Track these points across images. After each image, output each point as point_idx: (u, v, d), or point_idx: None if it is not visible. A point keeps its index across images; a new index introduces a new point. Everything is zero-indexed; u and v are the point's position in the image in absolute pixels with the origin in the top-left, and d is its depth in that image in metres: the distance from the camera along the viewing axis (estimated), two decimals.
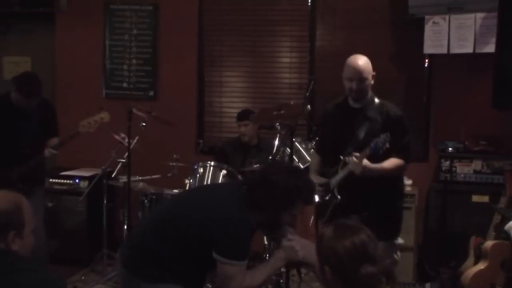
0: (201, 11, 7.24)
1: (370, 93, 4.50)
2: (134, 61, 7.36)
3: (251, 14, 7.19)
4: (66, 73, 7.43)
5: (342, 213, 4.32)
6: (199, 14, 7.24)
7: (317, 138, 4.89)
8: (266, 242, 5.76)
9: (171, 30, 7.26)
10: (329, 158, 4.60)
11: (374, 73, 4.48)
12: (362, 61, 4.44)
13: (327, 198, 4.52)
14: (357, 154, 4.19)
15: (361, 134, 4.39)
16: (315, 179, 4.60)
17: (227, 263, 3.38)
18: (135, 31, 7.35)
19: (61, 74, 7.47)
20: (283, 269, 5.55)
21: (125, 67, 7.37)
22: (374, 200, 4.36)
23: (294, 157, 5.21)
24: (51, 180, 6.73)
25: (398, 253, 4.64)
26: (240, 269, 3.41)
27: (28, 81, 5.35)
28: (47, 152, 5.35)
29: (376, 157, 4.23)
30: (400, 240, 4.59)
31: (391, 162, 4.35)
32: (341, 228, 2.53)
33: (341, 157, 4.39)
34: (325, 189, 4.54)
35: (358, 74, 4.39)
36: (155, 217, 3.77)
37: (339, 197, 4.40)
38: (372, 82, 4.49)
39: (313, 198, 4.12)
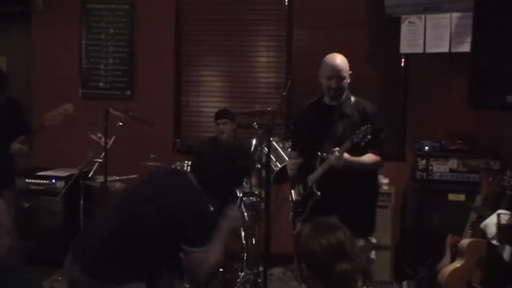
0: (178, 10, 7.23)
1: (346, 91, 4.52)
2: (110, 61, 7.33)
3: (229, 14, 7.19)
4: (42, 73, 7.38)
5: (320, 210, 4.37)
6: (176, 13, 7.23)
7: (290, 136, 4.90)
8: (244, 241, 5.75)
9: (148, 29, 7.23)
10: (304, 155, 4.61)
11: (350, 72, 4.50)
12: (340, 59, 4.46)
13: (304, 194, 4.54)
14: (337, 148, 4.19)
15: (339, 130, 4.41)
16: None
17: (199, 251, 3.41)
18: (111, 30, 7.32)
19: (37, 74, 7.42)
20: (261, 268, 5.57)
21: (101, 66, 7.34)
22: (351, 197, 4.39)
23: (271, 156, 5.20)
24: (27, 180, 6.70)
25: (373, 252, 4.66)
26: (207, 251, 3.45)
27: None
28: (15, 145, 5.29)
29: (355, 152, 4.25)
30: (373, 240, 4.61)
31: (369, 157, 4.38)
32: (319, 227, 2.57)
33: (319, 154, 4.40)
34: (303, 186, 4.55)
35: (337, 73, 4.41)
36: (111, 221, 3.61)
37: (318, 193, 4.41)
38: (349, 80, 4.50)
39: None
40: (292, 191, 4.74)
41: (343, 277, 2.41)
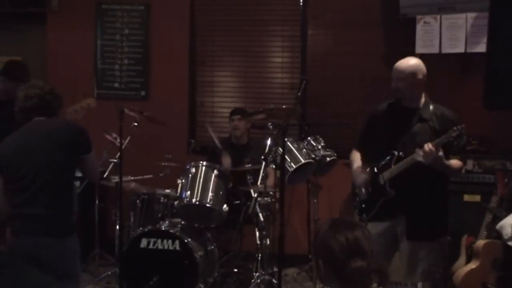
0: (192, 11, 7.26)
1: (424, 95, 4.52)
2: (125, 61, 7.37)
3: (243, 14, 7.22)
4: (57, 74, 7.41)
5: (390, 209, 4.42)
6: (191, 14, 7.26)
7: (362, 135, 4.87)
8: (258, 242, 5.76)
9: (162, 30, 7.27)
10: (372, 154, 4.62)
11: (420, 77, 4.46)
12: (402, 62, 4.48)
13: (374, 192, 4.55)
14: (429, 143, 4.19)
15: (417, 132, 4.41)
16: (361, 173, 4.69)
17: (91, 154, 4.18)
18: (126, 31, 7.36)
19: (52, 75, 7.44)
20: (275, 269, 5.58)
21: (116, 67, 7.38)
22: (422, 198, 4.39)
23: (286, 156, 5.21)
24: None
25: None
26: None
27: (16, 65, 5.58)
28: None
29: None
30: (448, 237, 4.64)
31: (455, 162, 4.39)
32: (338, 224, 2.59)
33: (395, 153, 4.41)
34: (373, 184, 4.56)
35: (396, 74, 4.44)
36: (27, 187, 3.94)
37: (392, 192, 4.43)
38: (416, 84, 4.45)
39: None
40: (361, 189, 4.70)
41: (358, 274, 2.43)
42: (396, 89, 4.47)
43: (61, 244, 4.02)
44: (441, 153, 4.20)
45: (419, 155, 4.23)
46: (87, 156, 4.19)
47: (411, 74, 4.43)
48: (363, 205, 4.68)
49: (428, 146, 4.17)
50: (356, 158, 4.84)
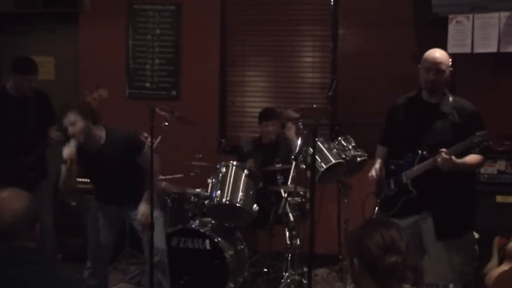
0: (223, 10, 7.28)
1: (445, 89, 4.50)
2: (157, 61, 7.42)
3: (274, 14, 7.22)
4: (89, 73, 7.48)
5: (413, 207, 4.42)
6: (222, 14, 7.28)
7: (383, 131, 4.85)
8: (288, 242, 5.78)
9: (193, 29, 7.30)
10: (395, 150, 4.61)
11: (451, 69, 4.46)
12: (440, 53, 4.43)
13: (396, 190, 4.55)
14: (445, 150, 4.18)
15: (438, 128, 4.39)
16: (380, 163, 4.70)
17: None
18: (158, 31, 7.41)
19: (84, 74, 7.52)
20: (305, 269, 5.60)
21: (148, 67, 7.43)
22: (447, 197, 4.37)
23: (316, 156, 5.22)
24: None
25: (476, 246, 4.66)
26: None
27: (23, 59, 5.60)
28: (52, 133, 5.41)
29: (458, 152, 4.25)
30: (476, 235, 4.61)
31: (473, 158, 4.33)
32: (373, 223, 2.67)
33: (419, 151, 4.40)
34: (396, 182, 4.56)
35: (436, 65, 4.37)
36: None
37: (414, 191, 4.42)
38: (448, 76, 4.44)
39: None
40: (384, 185, 4.69)
41: (393, 270, 2.46)
42: (434, 82, 4.40)
43: None
44: (454, 159, 4.17)
45: (439, 159, 4.20)
46: None
47: (448, 67, 4.42)
48: (386, 202, 4.67)
49: (444, 155, 4.16)
50: (379, 154, 4.82)
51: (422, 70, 4.47)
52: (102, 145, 4.84)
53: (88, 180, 6.75)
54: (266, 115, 6.41)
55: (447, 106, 4.42)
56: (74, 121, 4.66)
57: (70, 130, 4.66)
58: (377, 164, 4.70)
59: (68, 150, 4.65)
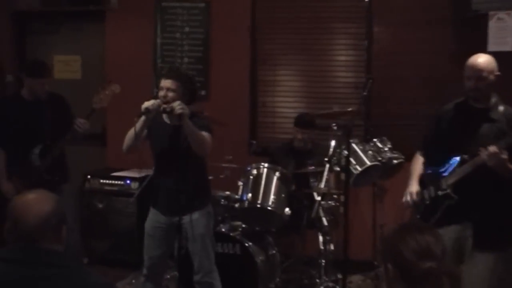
0: (254, 8, 7.24)
1: (494, 96, 4.42)
2: (185, 60, 7.40)
3: (306, 11, 7.17)
4: (116, 72, 7.47)
5: (454, 215, 4.32)
6: (252, 11, 7.24)
7: (426, 138, 4.78)
8: (322, 247, 5.73)
9: (223, 27, 7.28)
10: (437, 157, 4.53)
11: (498, 73, 4.38)
12: (482, 59, 4.34)
13: (436, 197, 4.47)
14: (494, 146, 4.10)
15: (484, 133, 4.30)
16: (416, 185, 4.60)
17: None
18: (186, 29, 7.39)
19: (111, 73, 7.51)
20: (339, 275, 5.55)
21: (174, 65, 7.41)
22: (489, 204, 4.27)
23: (351, 159, 5.17)
24: (101, 181, 6.86)
25: None
26: None
27: (35, 62, 5.72)
28: (79, 120, 5.43)
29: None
30: None
31: None
32: (407, 227, 2.63)
33: (460, 156, 4.33)
34: (435, 188, 4.48)
35: (476, 73, 4.30)
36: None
37: (456, 197, 4.34)
38: (492, 82, 4.35)
39: None
40: (422, 192, 4.62)
41: (428, 276, 2.42)
42: (474, 89, 4.33)
43: None
44: (505, 156, 4.09)
45: (483, 155, 4.12)
46: None
47: (491, 72, 4.33)
48: (424, 210, 4.58)
49: (492, 148, 4.07)
50: (416, 168, 4.73)
51: (464, 77, 4.40)
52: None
53: (116, 182, 6.82)
54: (300, 122, 6.34)
55: (496, 113, 4.33)
56: (173, 89, 4.70)
57: (163, 93, 4.70)
58: (413, 187, 4.59)
59: (151, 102, 4.62)
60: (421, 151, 4.75)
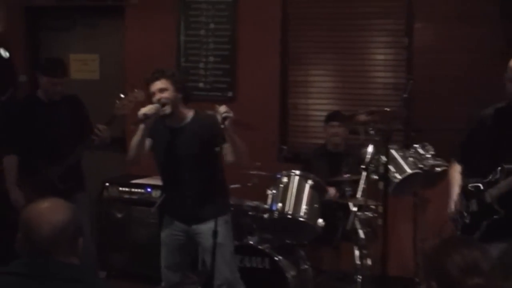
0: (285, 2, 7.24)
1: None
2: (211, 59, 7.41)
3: (341, 6, 7.15)
4: (136, 72, 7.46)
5: (500, 230, 4.28)
6: (283, 6, 7.23)
7: (464, 145, 4.75)
8: (358, 262, 5.70)
9: (251, 24, 7.27)
10: (478, 166, 4.49)
11: None
12: None
13: (479, 211, 4.43)
14: None
15: None
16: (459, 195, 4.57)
17: None
18: (212, 26, 7.40)
19: (131, 73, 7.54)
20: None
21: (201, 65, 7.43)
22: None
23: (390, 166, 5.14)
24: (120, 189, 6.87)
25: None
26: None
27: (50, 61, 5.81)
28: (99, 126, 5.47)
29: None
30: None
31: None
32: (453, 241, 2.66)
33: (503, 166, 4.28)
34: (478, 202, 4.44)
35: None
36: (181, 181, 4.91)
37: (502, 211, 4.29)
38: None
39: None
40: (461, 210, 4.59)
41: None
42: None
43: None
44: None
45: None
46: None
47: None
48: (466, 225, 4.54)
49: None
50: (456, 177, 4.69)
51: (506, 79, 4.36)
52: (186, 123, 4.94)
53: (136, 190, 6.82)
54: (331, 116, 6.35)
55: None
56: (165, 88, 4.79)
57: (157, 96, 4.77)
58: (456, 195, 4.58)
59: (148, 107, 4.71)
60: (458, 159, 4.72)
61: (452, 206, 4.54)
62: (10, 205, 5.54)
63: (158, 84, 4.79)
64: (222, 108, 4.59)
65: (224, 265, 4.88)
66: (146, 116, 4.64)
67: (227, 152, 4.81)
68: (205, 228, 4.81)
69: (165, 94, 4.77)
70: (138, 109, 5.23)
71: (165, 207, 5.19)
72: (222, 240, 4.77)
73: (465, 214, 4.47)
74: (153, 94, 4.80)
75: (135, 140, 4.83)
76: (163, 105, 4.74)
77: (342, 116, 6.23)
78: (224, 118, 4.55)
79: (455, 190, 4.60)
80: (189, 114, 4.98)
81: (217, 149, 4.63)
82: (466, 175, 4.60)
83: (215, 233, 4.45)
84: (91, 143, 5.48)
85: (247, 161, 4.96)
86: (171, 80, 4.83)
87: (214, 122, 4.74)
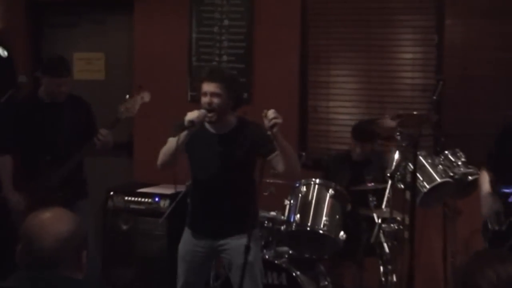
0: None
1: None
2: (225, 58, 7.42)
3: (366, 1, 7.15)
4: (145, 72, 7.52)
5: None
6: (302, 1, 7.23)
7: (492, 152, 4.76)
8: (382, 278, 5.69)
9: (269, 20, 7.27)
10: (506, 175, 4.49)
11: None
12: None
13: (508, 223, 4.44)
14: None
15: None
16: (491, 201, 4.58)
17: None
18: (226, 22, 7.40)
19: (139, 73, 7.57)
20: None
21: (214, 64, 7.42)
22: None
23: (418, 174, 5.12)
24: (126, 198, 6.84)
25: None
26: None
27: (53, 59, 5.75)
28: (102, 131, 5.46)
29: None
30: None
31: None
32: (485, 256, 2.62)
33: None
34: (507, 213, 4.43)
35: None
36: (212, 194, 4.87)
37: None
38: None
39: None
40: (489, 219, 4.59)
41: None
42: None
43: None
44: None
45: None
46: None
47: None
48: (497, 237, 4.53)
49: None
50: (485, 181, 4.69)
51: None
52: (230, 130, 4.88)
53: (143, 199, 6.82)
54: (360, 135, 6.29)
55: None
56: (219, 93, 4.70)
57: (208, 99, 4.69)
58: (489, 198, 4.57)
59: (195, 114, 4.62)
60: (488, 167, 4.72)
61: (486, 208, 4.57)
62: (7, 212, 5.56)
63: (212, 87, 4.68)
64: (271, 113, 4.52)
65: (252, 284, 4.81)
66: (192, 123, 4.57)
67: (278, 161, 4.76)
68: (235, 244, 4.77)
69: (216, 100, 4.67)
70: (144, 112, 5.24)
71: (190, 218, 5.10)
72: (253, 259, 4.68)
73: (502, 219, 4.48)
74: (204, 94, 4.69)
75: (173, 146, 4.67)
76: (210, 111, 4.67)
77: (372, 134, 6.19)
78: (273, 125, 4.48)
79: (485, 190, 4.62)
80: (233, 120, 4.91)
81: (267, 158, 4.64)
82: (497, 183, 4.61)
83: (247, 248, 4.41)
84: (93, 147, 5.47)
85: (299, 170, 4.91)
86: (226, 85, 4.72)
87: (259, 131, 4.74)
